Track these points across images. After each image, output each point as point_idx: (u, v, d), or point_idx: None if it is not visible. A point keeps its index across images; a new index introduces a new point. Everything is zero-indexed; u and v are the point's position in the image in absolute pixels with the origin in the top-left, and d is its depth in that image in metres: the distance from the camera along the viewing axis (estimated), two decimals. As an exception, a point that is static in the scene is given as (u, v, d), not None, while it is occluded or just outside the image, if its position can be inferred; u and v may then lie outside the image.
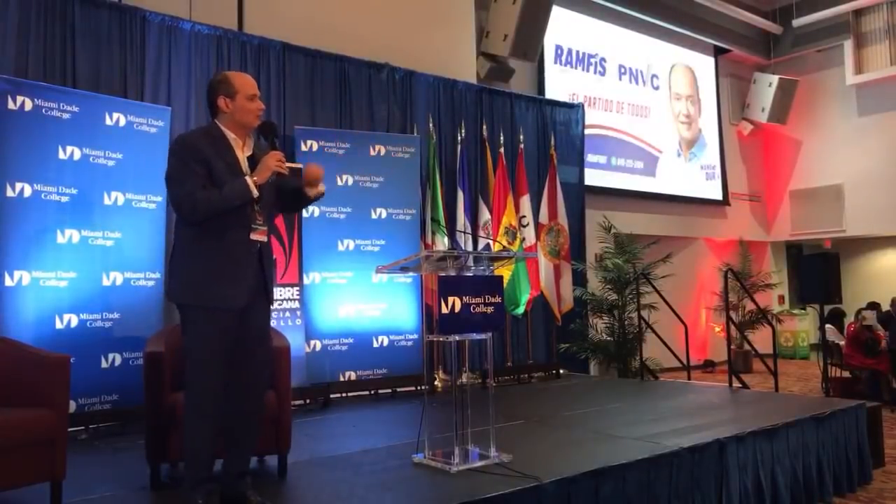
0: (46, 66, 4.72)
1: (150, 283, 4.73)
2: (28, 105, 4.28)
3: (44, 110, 4.35)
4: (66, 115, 4.45)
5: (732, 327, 7.62)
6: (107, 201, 4.59)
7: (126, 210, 4.66)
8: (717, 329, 10.82)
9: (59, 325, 4.32)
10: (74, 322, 4.39)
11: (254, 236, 2.77)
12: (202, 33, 5.45)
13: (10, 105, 4.20)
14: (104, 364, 4.50)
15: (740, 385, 6.24)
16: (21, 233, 4.21)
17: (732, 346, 7.72)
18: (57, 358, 2.93)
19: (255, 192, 2.71)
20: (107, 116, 4.64)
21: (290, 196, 3.01)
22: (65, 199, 4.41)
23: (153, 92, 5.17)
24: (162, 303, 4.80)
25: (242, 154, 2.84)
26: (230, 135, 2.82)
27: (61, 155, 4.42)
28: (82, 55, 4.86)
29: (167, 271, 2.93)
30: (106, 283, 4.55)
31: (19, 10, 4.61)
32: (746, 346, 9.23)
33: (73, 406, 4.11)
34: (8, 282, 4.13)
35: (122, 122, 4.71)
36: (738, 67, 12.55)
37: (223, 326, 2.69)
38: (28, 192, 4.25)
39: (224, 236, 2.71)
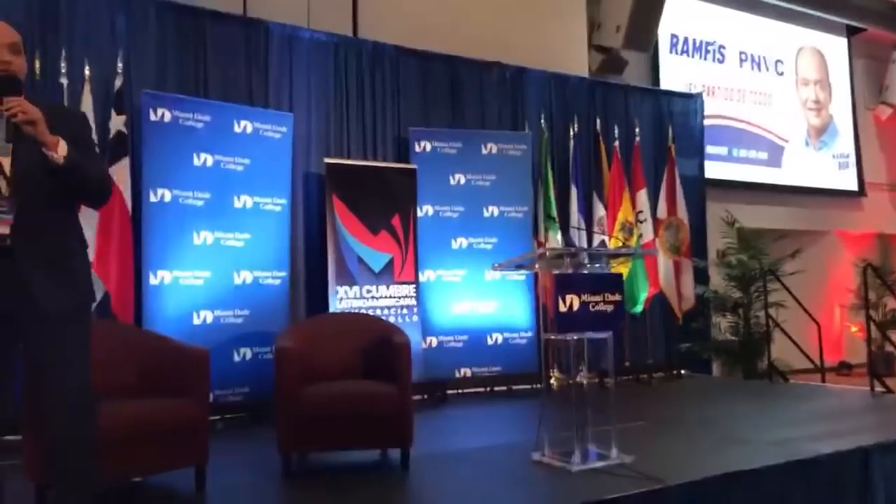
0: (182, 79, 5.05)
1: (277, 282, 4.97)
2: (167, 116, 4.61)
3: (180, 120, 4.67)
4: (199, 125, 4.76)
5: (873, 327, 7.08)
6: (236, 204, 4.87)
7: (254, 212, 4.92)
8: (854, 329, 10.09)
9: (196, 321, 4.63)
10: (210, 318, 4.68)
11: None
12: (320, 41, 5.66)
13: (152, 117, 4.54)
14: (236, 358, 4.78)
15: (883, 389, 5.78)
16: (162, 235, 4.54)
17: (872, 348, 7.16)
18: (198, 351, 3.13)
19: None
20: (235, 124, 4.91)
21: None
22: (199, 202, 4.71)
23: (276, 99, 5.41)
24: (288, 300, 5.03)
25: None
26: None
27: (196, 162, 4.72)
28: (213, 67, 5.16)
29: None
30: (237, 281, 4.82)
31: (158, 29, 4.96)
32: (888, 348, 8.54)
33: (210, 397, 4.38)
34: (152, 280, 4.47)
35: (249, 128, 4.97)
36: (874, 47, 11.60)
37: None
38: (168, 197, 4.58)
39: None
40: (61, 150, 2.08)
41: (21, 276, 2.05)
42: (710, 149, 8.63)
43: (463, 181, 5.96)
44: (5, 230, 2.05)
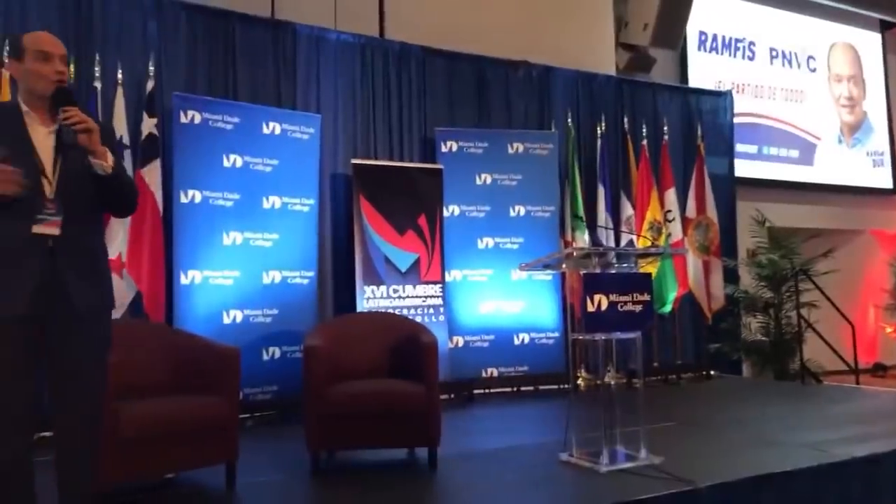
0: (211, 82, 5.12)
1: (305, 282, 5.01)
2: (197, 118, 4.67)
3: (210, 122, 4.73)
4: (229, 126, 4.81)
5: (908, 328, 6.93)
6: (265, 205, 4.92)
7: (282, 213, 4.97)
8: (889, 329, 9.88)
9: (225, 320, 4.68)
10: (239, 317, 4.73)
11: (38, 229, 2.14)
12: (347, 42, 5.69)
13: (183, 119, 4.61)
14: (265, 356, 4.82)
15: (920, 391, 5.66)
16: (193, 236, 4.60)
17: (908, 349, 7.02)
18: (229, 349, 3.17)
19: None
20: (264, 126, 4.96)
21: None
22: (229, 203, 4.77)
23: (304, 100, 5.46)
24: (316, 300, 5.08)
25: (44, 129, 2.21)
26: (24, 107, 2.23)
27: (225, 163, 4.78)
28: (242, 69, 5.22)
29: None
30: (266, 280, 4.87)
31: (188, 32, 5.03)
32: (924, 349, 8.36)
33: (239, 395, 4.43)
34: (183, 280, 4.53)
35: (278, 130, 5.01)
36: (909, 42, 11.36)
37: (6, 339, 2.11)
38: (198, 198, 4.64)
39: (1, 230, 2.15)
40: (109, 159, 2.21)
41: (58, 276, 2.14)
42: (739, 147, 8.52)
43: (489, 181, 5.95)
44: (52, 231, 2.15)
